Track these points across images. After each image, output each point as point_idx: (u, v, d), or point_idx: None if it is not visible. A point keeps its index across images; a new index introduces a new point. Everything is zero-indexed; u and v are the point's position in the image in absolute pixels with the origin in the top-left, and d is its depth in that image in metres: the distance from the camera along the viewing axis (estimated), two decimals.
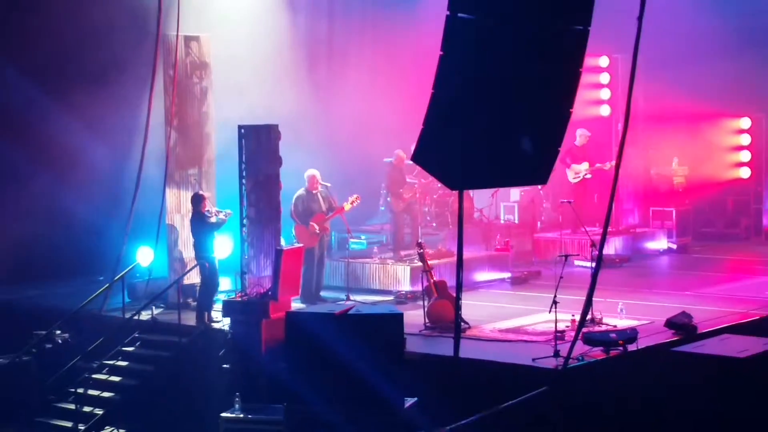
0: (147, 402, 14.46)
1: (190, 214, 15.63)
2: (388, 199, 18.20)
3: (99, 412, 14.37)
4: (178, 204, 16.73)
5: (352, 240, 17.56)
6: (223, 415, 12.93)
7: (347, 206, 16.40)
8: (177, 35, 16.33)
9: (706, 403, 11.89)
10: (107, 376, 15.06)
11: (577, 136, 20.12)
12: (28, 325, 16.20)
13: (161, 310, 16.08)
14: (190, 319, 15.37)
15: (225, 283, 16.05)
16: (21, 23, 17.80)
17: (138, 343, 15.46)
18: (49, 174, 17.90)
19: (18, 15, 17.82)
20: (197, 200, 15.43)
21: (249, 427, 12.80)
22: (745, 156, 23.17)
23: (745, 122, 23.12)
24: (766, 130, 23.20)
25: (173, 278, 16.23)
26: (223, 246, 15.76)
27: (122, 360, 15.26)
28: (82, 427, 14.18)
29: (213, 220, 15.22)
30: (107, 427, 14.36)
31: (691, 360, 12.25)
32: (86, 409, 14.45)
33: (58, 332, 15.89)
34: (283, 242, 15.22)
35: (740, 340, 12.84)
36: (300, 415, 11.90)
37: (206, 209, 15.34)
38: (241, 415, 12.91)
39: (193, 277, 16.11)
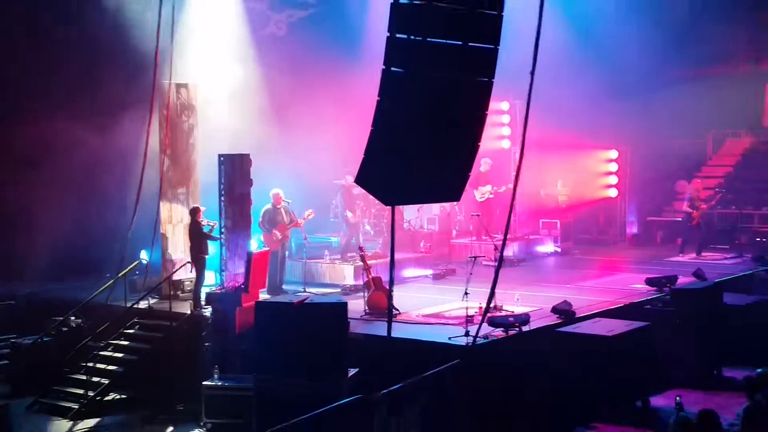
0: (144, 373, 14.27)
1: (189, 223, 15.58)
2: (345, 213, 18.13)
3: (105, 381, 14.15)
4: (170, 216, 16.59)
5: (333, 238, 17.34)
6: (205, 383, 12.81)
7: (305, 219, 16.39)
8: (169, 83, 16.24)
9: (582, 371, 12.03)
10: (112, 353, 14.84)
11: (482, 164, 20.17)
12: (48, 313, 15.95)
13: (156, 300, 15.90)
14: (178, 307, 15.25)
15: (209, 278, 15.91)
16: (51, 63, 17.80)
17: (137, 326, 15.26)
18: (68, 194, 17.73)
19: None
20: (194, 212, 15.48)
21: (225, 392, 12.68)
22: (614, 180, 23.46)
23: (614, 153, 23.40)
24: (629, 160, 23.52)
25: (165, 275, 16.09)
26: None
27: (124, 340, 15.05)
28: (91, 394, 13.95)
29: (209, 232, 15.20)
30: (111, 394, 14.14)
31: (571, 338, 12.38)
32: (95, 379, 14.21)
33: (73, 318, 15.63)
34: (256, 245, 15.16)
35: (609, 323, 12.98)
36: (266, 383, 11.81)
37: (201, 219, 15.32)
38: (219, 383, 12.80)
39: (182, 274, 16.00)
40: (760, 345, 14.47)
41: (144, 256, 16.49)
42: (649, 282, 15.93)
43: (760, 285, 16.87)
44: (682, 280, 15.93)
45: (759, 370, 9.04)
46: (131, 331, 15.22)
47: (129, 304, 15.34)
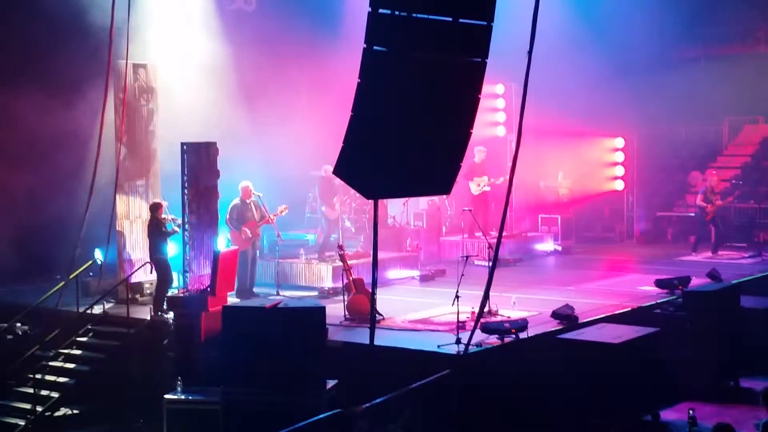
0: (98, 386, 14.21)
1: (149, 219, 15.51)
2: (323, 208, 18.12)
3: (55, 395, 14.08)
4: (127, 211, 16.51)
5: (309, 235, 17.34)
6: (167, 396, 12.77)
7: (277, 215, 16.37)
8: (126, 63, 16.15)
9: (586, 382, 12.06)
10: (63, 363, 14.76)
11: (476, 152, 20.15)
12: None
13: (112, 304, 15.85)
14: (137, 312, 15.20)
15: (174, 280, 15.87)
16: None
17: (91, 334, 15.20)
18: (12, 180, 17.57)
19: None
20: (155, 207, 15.39)
21: (189, 407, 12.62)
22: (620, 171, 23.50)
23: (620, 142, 23.45)
24: (637, 149, 23.60)
25: (122, 277, 16.03)
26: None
27: (76, 349, 14.98)
28: (40, 409, 13.88)
29: (170, 230, 15.15)
30: (62, 409, 14.08)
31: (573, 345, 12.41)
32: (43, 392, 14.14)
33: (18, 325, 15.56)
34: (223, 244, 15.12)
35: (615, 328, 13.02)
36: (235, 396, 11.80)
37: (162, 215, 15.28)
38: (182, 397, 12.75)
39: (141, 276, 15.94)
40: None
41: (98, 255, 16.40)
42: (659, 284, 16.00)
43: None
44: (696, 282, 16.01)
45: None
46: (84, 339, 15.15)
47: (81, 309, 15.27)
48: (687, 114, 24.71)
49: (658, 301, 15.20)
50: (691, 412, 8.79)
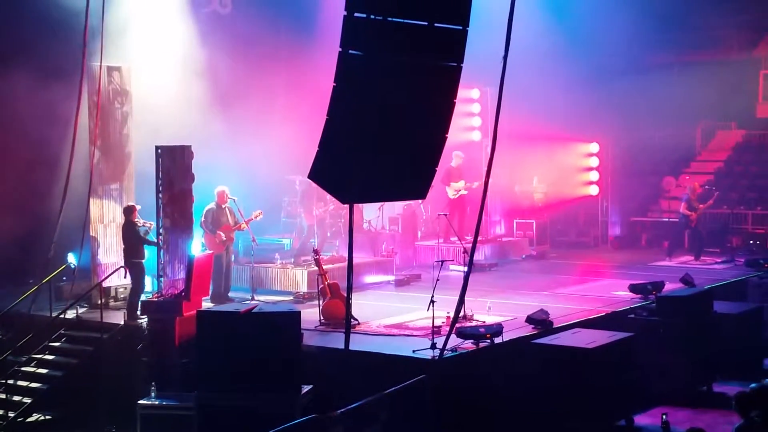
0: (71, 391, 14.12)
1: (123, 223, 15.44)
2: (303, 215, 18.05)
3: (27, 400, 13.98)
4: (101, 215, 16.43)
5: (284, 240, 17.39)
6: (140, 402, 12.69)
7: (251, 219, 16.29)
8: (100, 65, 16.06)
9: (560, 387, 12.08)
10: (35, 368, 14.66)
11: (453, 157, 20.21)
12: None
13: (85, 309, 15.75)
14: (111, 317, 15.09)
15: (146, 285, 15.76)
16: None
17: (64, 339, 15.09)
18: None
19: None
20: (129, 210, 15.35)
21: (163, 412, 12.56)
22: (594, 176, 23.62)
23: (594, 147, 23.56)
24: (611, 154, 23.71)
25: (96, 281, 15.91)
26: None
27: (49, 354, 14.86)
28: (12, 414, 13.76)
29: (145, 233, 15.09)
30: (35, 414, 13.98)
31: (548, 350, 12.44)
32: (15, 398, 14.05)
33: None
34: (198, 248, 15.05)
35: (589, 333, 13.06)
36: (209, 402, 11.74)
37: (136, 218, 15.20)
38: (156, 402, 12.67)
39: (115, 280, 15.85)
40: (753, 357, 14.70)
41: (72, 259, 16.31)
42: (633, 289, 16.06)
43: (753, 292, 17.07)
44: (669, 287, 16.08)
45: (753, 385, 9.12)
46: (57, 344, 15.03)
47: (54, 314, 15.13)
48: (661, 119, 24.88)
49: (632, 306, 15.26)
50: (664, 416, 8.82)
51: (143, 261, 15.24)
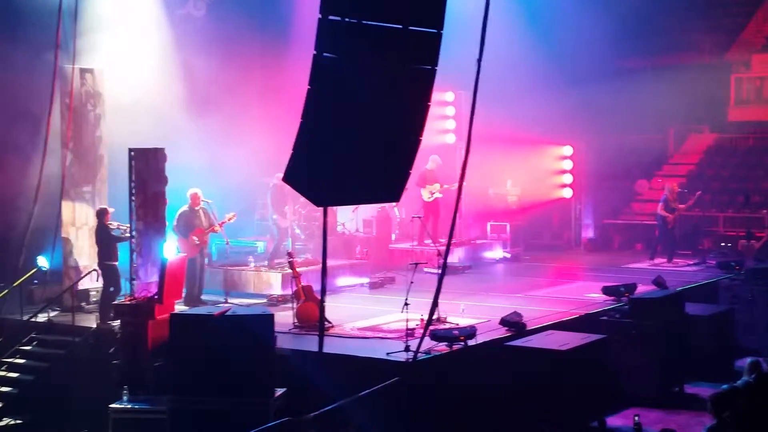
0: (43, 395, 14.02)
1: (96, 226, 15.37)
2: (274, 216, 18.02)
3: None
4: (73, 218, 16.35)
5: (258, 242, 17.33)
6: (112, 406, 12.60)
7: (225, 222, 16.24)
8: (73, 67, 15.99)
9: (534, 388, 12.11)
10: (6, 372, 14.57)
11: (430, 161, 20.24)
12: None
13: (57, 312, 15.65)
14: (83, 320, 15.01)
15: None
16: None
17: (35, 342, 15.01)
18: None
19: None
20: (102, 213, 15.30)
21: (135, 416, 12.46)
22: (568, 179, 23.69)
23: (568, 150, 23.64)
24: (584, 157, 23.82)
25: (68, 284, 15.81)
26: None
27: (20, 358, 14.79)
28: None
29: (119, 235, 15.03)
30: (5, 418, 13.87)
31: (521, 352, 12.46)
32: None
33: None
34: (173, 251, 14.98)
35: (562, 335, 13.09)
36: (182, 405, 11.68)
37: (109, 221, 15.16)
38: (129, 406, 12.58)
39: (87, 283, 15.76)
40: (724, 358, 14.80)
41: (43, 262, 16.21)
42: (606, 291, 16.14)
43: (724, 294, 17.19)
44: (641, 289, 16.17)
45: (725, 386, 9.20)
46: (28, 347, 14.94)
47: (26, 317, 15.06)
48: (634, 123, 25.02)
49: (605, 308, 15.32)
50: (636, 418, 8.87)
51: (117, 263, 15.19)
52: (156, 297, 13.85)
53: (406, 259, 18.87)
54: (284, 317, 14.17)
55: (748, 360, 10.39)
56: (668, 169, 26.05)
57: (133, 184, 14.38)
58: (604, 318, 14.73)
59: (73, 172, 16.34)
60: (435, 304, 12.51)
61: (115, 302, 14.64)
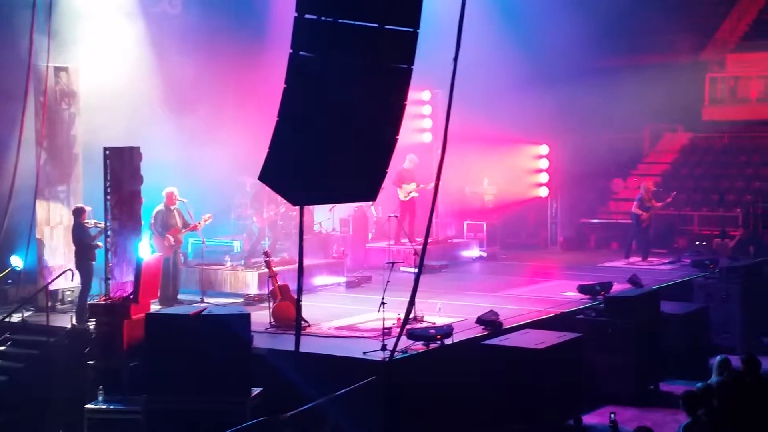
0: (17, 396, 13.90)
1: (72, 225, 15.25)
2: (254, 218, 17.97)
3: None
4: (47, 217, 16.23)
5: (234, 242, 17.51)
6: (87, 406, 12.52)
7: (201, 224, 16.17)
8: (47, 65, 15.88)
9: (510, 387, 12.15)
10: None
11: (407, 160, 20.24)
12: None
13: (31, 312, 15.50)
14: (57, 320, 14.90)
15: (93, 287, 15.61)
16: None
17: (9, 342, 14.87)
18: None
19: None
20: (78, 212, 15.18)
21: (110, 416, 12.37)
22: (544, 178, 23.75)
23: (544, 149, 23.70)
24: (560, 156, 23.90)
25: (42, 284, 15.71)
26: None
27: None
28: None
29: (96, 235, 14.94)
30: None
31: (498, 351, 12.50)
32: None
33: None
34: (148, 250, 14.92)
35: (538, 334, 13.15)
36: (158, 405, 11.64)
37: (86, 220, 15.06)
38: (104, 406, 12.49)
39: (62, 283, 15.65)
40: (699, 357, 14.91)
41: (17, 262, 16.08)
42: (582, 289, 16.21)
43: (699, 292, 17.30)
44: (617, 287, 16.24)
45: (699, 384, 9.27)
46: (2, 348, 14.81)
47: None
48: (609, 122, 25.14)
49: (581, 307, 15.39)
50: (612, 416, 8.89)
51: (94, 263, 15.09)
52: (131, 297, 13.78)
53: (382, 258, 18.83)
54: (261, 317, 14.14)
55: (718, 358, 10.50)
56: (643, 168, 26.22)
57: (108, 183, 14.30)
58: (580, 316, 14.79)
59: (47, 171, 16.21)
60: (412, 303, 12.53)
61: (90, 302, 14.55)
